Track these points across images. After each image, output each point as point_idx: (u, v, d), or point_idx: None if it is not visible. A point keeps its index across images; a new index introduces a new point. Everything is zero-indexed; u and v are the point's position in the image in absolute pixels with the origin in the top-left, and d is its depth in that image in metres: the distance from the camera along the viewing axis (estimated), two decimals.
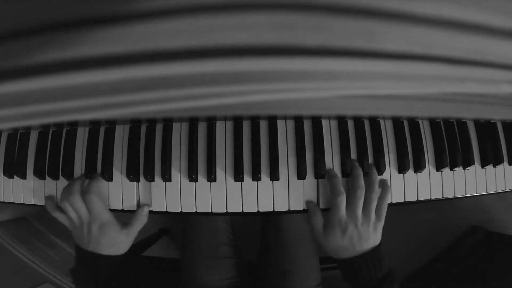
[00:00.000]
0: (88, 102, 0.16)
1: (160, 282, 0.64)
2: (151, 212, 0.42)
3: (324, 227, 0.40)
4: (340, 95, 0.20)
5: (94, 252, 0.39)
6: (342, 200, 0.39)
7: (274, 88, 0.16)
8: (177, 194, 0.42)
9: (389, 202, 0.41)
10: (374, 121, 0.44)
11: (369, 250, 0.39)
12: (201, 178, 0.42)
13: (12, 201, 0.45)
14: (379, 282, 0.38)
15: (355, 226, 0.38)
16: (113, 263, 0.41)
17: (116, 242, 0.40)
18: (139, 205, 0.42)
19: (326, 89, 0.17)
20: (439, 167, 0.43)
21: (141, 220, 0.42)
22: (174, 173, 0.42)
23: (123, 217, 0.42)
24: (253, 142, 0.42)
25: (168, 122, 0.43)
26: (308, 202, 0.42)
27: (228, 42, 0.13)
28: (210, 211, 0.41)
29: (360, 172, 0.40)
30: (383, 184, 0.41)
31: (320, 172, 0.42)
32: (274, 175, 0.41)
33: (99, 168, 0.43)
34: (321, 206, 0.42)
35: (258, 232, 0.62)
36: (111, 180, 0.43)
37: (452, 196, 0.43)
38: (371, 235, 0.39)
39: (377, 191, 0.40)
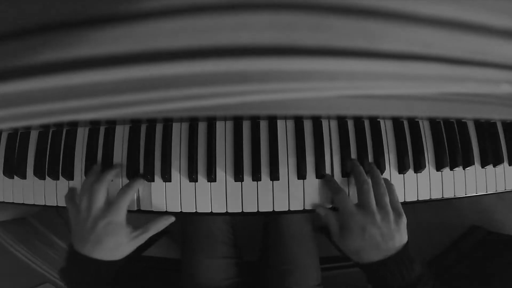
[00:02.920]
0: (88, 102, 0.16)
1: (160, 282, 0.64)
2: (151, 212, 0.42)
3: (340, 229, 0.38)
4: (340, 95, 0.20)
5: (88, 256, 0.35)
6: (343, 196, 0.38)
7: (274, 88, 0.16)
8: (177, 194, 0.42)
9: (398, 196, 0.39)
10: (374, 121, 0.44)
11: (397, 250, 0.35)
12: (201, 178, 0.42)
13: (12, 201, 0.45)
14: (411, 286, 0.34)
15: (374, 223, 0.35)
16: (108, 269, 0.37)
17: (120, 245, 0.37)
18: (138, 205, 0.42)
19: (326, 89, 0.17)
20: (439, 167, 0.43)
21: (159, 228, 0.40)
22: (174, 173, 0.42)
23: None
24: (253, 142, 0.42)
25: (168, 122, 0.43)
26: (317, 207, 0.40)
27: (228, 42, 0.13)
28: (210, 211, 0.41)
29: (361, 168, 0.39)
30: (386, 181, 0.39)
31: (320, 172, 0.42)
32: (274, 175, 0.41)
33: (99, 163, 0.43)
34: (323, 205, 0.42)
35: (258, 232, 0.62)
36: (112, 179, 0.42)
37: (452, 196, 0.43)
38: (394, 232, 0.35)
39: (384, 185, 0.38)
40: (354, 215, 0.36)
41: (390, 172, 0.43)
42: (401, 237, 0.36)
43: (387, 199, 0.37)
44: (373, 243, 0.35)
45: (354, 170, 0.40)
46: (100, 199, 0.37)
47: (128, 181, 0.42)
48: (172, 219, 0.41)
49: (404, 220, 0.36)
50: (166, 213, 0.42)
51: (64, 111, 0.16)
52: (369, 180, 0.39)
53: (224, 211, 0.41)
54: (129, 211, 0.40)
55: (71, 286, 0.37)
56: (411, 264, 0.35)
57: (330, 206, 0.42)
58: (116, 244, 0.37)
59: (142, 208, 0.42)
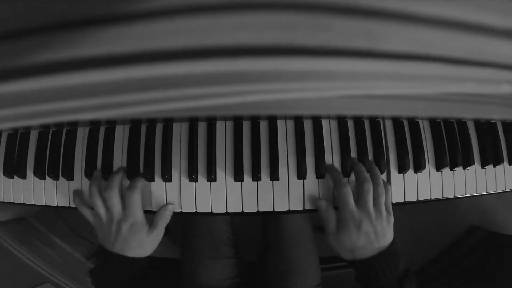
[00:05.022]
0: (88, 102, 0.16)
1: (160, 282, 0.64)
2: (150, 212, 0.42)
3: (337, 226, 0.39)
4: (340, 95, 0.20)
5: (120, 254, 0.38)
6: (348, 191, 0.38)
7: (274, 88, 0.16)
8: (177, 194, 0.42)
9: (391, 196, 0.41)
10: (374, 121, 0.44)
11: (387, 247, 0.37)
12: (201, 178, 0.42)
13: (12, 201, 0.45)
14: (399, 281, 0.37)
15: (370, 221, 0.37)
16: (139, 265, 0.40)
17: (144, 243, 0.39)
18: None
19: (326, 89, 0.17)
20: (439, 167, 0.43)
21: (165, 219, 0.41)
22: (174, 173, 0.42)
23: None
24: (253, 142, 0.42)
25: (168, 122, 0.43)
26: (319, 201, 0.40)
27: (228, 42, 0.13)
28: (210, 211, 0.41)
29: (362, 167, 0.40)
30: (383, 182, 0.41)
31: (320, 171, 0.42)
32: (274, 175, 0.41)
33: (99, 168, 0.43)
34: None
35: (258, 232, 0.62)
36: None
37: (452, 196, 0.43)
38: (386, 230, 0.38)
39: (382, 185, 0.39)
40: (353, 212, 0.38)
41: (390, 172, 0.43)
42: (390, 234, 0.39)
43: (383, 199, 0.39)
44: (367, 240, 0.37)
45: (355, 168, 0.40)
46: (116, 203, 0.38)
47: (128, 180, 0.42)
48: (170, 206, 0.41)
49: (392, 219, 0.39)
50: None
51: (64, 111, 0.16)
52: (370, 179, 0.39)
53: (224, 211, 0.41)
54: None
55: (101, 285, 0.39)
56: (398, 259, 0.37)
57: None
58: (141, 242, 0.39)
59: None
